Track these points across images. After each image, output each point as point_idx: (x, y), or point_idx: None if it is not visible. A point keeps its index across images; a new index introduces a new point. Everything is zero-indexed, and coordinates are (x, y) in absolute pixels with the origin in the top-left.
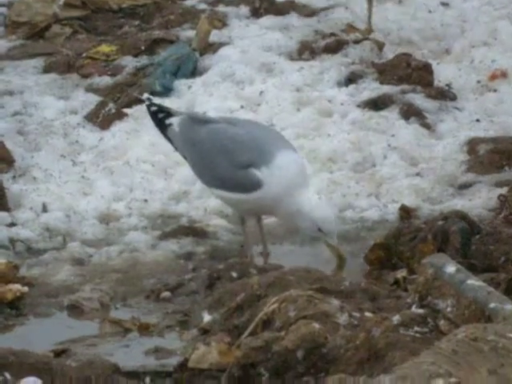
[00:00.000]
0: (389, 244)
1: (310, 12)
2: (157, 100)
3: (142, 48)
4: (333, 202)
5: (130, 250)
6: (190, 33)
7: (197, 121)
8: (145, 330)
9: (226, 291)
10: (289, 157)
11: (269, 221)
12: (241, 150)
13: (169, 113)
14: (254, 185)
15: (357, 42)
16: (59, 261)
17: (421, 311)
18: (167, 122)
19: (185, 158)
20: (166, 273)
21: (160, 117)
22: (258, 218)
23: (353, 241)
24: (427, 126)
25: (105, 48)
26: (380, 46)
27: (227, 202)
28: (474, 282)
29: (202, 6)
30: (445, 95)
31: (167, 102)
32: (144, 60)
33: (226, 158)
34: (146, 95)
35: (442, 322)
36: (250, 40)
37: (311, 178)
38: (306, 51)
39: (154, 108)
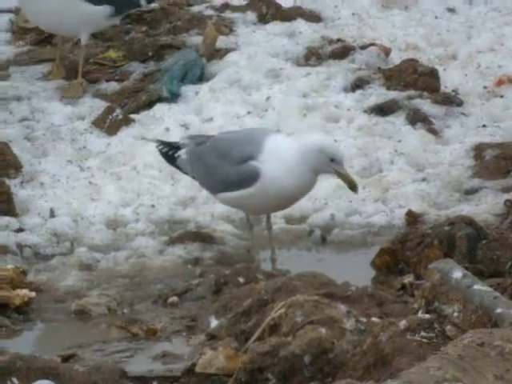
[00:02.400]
0: (395, 249)
1: (316, 18)
2: (164, 106)
3: (150, 54)
4: (339, 208)
5: (137, 255)
6: (197, 39)
7: (200, 142)
8: (152, 334)
9: (233, 296)
10: (277, 138)
11: (275, 226)
12: (236, 148)
13: (176, 147)
14: (253, 175)
15: (363, 47)
16: (67, 266)
17: (427, 316)
18: (176, 155)
19: (194, 178)
20: (173, 278)
21: (170, 154)
22: (268, 223)
23: (359, 246)
24: (434, 132)
25: (112, 54)
26: (386, 52)
27: (234, 204)
28: (480, 287)
29: (209, 12)
30: (451, 101)
31: (174, 108)
32: (151, 66)
33: (224, 160)
34: (155, 139)
35: (448, 328)
36: (256, 46)
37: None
38: (312, 57)
39: (164, 149)
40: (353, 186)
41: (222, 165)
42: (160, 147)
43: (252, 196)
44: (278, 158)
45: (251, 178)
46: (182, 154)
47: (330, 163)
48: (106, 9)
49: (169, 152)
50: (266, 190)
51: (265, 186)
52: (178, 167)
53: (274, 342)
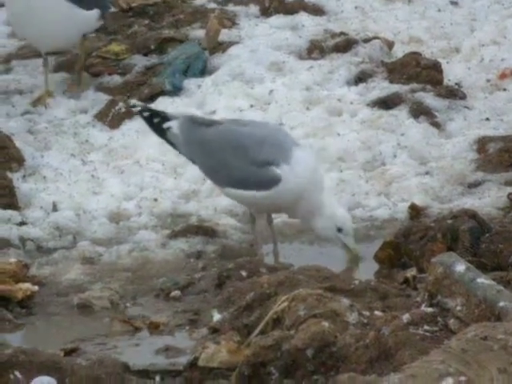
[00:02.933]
0: (398, 243)
1: (319, 11)
2: (167, 99)
3: (152, 47)
4: (342, 201)
5: (139, 248)
6: (200, 32)
7: (199, 123)
8: (155, 328)
9: (236, 290)
10: (306, 153)
11: (278, 220)
12: (258, 148)
13: (164, 117)
14: (273, 181)
15: (366, 41)
16: (69, 260)
17: (430, 310)
18: (165, 126)
19: (192, 161)
20: (176, 272)
21: (156, 121)
22: (269, 218)
23: (362, 240)
24: (437, 125)
25: (115, 47)
26: (389, 45)
27: (242, 200)
28: (483, 280)
29: (212, 6)
30: (454, 94)
31: (177, 101)
32: (154, 59)
33: (241, 157)
34: (132, 102)
35: (451, 321)
36: (259, 39)
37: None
38: (315, 50)
39: (146, 113)
40: (355, 261)
41: (236, 161)
42: (143, 112)
43: (265, 198)
44: (302, 175)
45: (270, 183)
46: (174, 127)
47: (339, 234)
48: (96, 13)
49: (153, 119)
50: (282, 195)
51: (283, 192)
52: (167, 140)
53: (276, 335)
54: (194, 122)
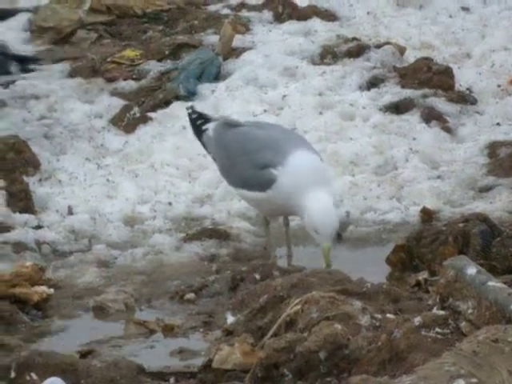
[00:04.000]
0: (410, 246)
1: (332, 17)
2: (181, 104)
3: (166, 53)
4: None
5: (154, 252)
6: (214, 38)
7: (229, 125)
8: (169, 331)
9: (250, 293)
10: (304, 156)
11: (292, 223)
12: (260, 150)
13: (207, 119)
14: (269, 182)
15: (378, 46)
16: (84, 263)
17: (442, 313)
18: (204, 127)
19: (214, 160)
20: (190, 274)
21: (198, 123)
22: (285, 220)
23: (374, 243)
24: (448, 130)
25: (129, 53)
26: (401, 51)
27: (249, 201)
28: (494, 283)
29: (226, 11)
30: (465, 99)
31: None
32: (168, 64)
33: (247, 159)
34: (189, 104)
35: (463, 324)
36: (272, 45)
37: (333, 182)
38: (328, 55)
39: (194, 115)
40: (326, 263)
41: (243, 162)
42: (191, 114)
43: (264, 200)
44: (295, 177)
45: (266, 184)
46: (210, 129)
47: (316, 234)
48: None
49: (198, 121)
50: (276, 196)
51: (276, 193)
52: (202, 143)
53: (289, 338)
54: (225, 125)
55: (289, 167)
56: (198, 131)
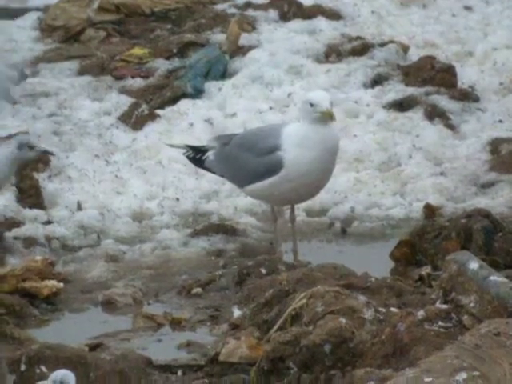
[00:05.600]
0: (414, 241)
1: (336, 16)
2: (188, 102)
3: (174, 51)
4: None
5: (162, 247)
6: (221, 36)
7: (225, 141)
8: (177, 324)
9: (256, 287)
10: (292, 125)
11: (297, 219)
12: (259, 141)
13: (204, 150)
14: (278, 165)
15: (382, 45)
16: (94, 257)
17: (445, 307)
18: (204, 157)
19: (222, 175)
20: (197, 269)
21: (197, 157)
22: (292, 215)
23: (378, 238)
24: (451, 127)
25: (137, 51)
26: (405, 49)
27: (262, 195)
28: (496, 278)
29: (232, 10)
30: (468, 97)
31: (199, 104)
32: (176, 62)
33: (251, 152)
34: (183, 151)
35: (465, 317)
36: (278, 43)
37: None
38: (332, 54)
39: (191, 154)
40: (328, 116)
41: (248, 157)
42: (187, 153)
43: (278, 185)
44: (295, 141)
45: (276, 166)
46: (210, 155)
47: (312, 108)
48: None
49: (196, 156)
50: (290, 176)
51: (289, 171)
52: (206, 169)
53: (295, 331)
54: (222, 143)
55: (286, 140)
56: (200, 162)
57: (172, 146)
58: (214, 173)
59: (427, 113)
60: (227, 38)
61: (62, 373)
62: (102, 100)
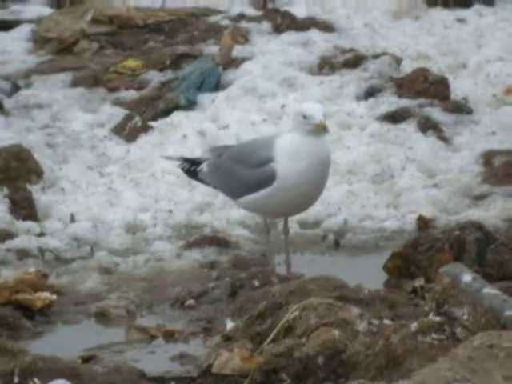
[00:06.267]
0: (407, 253)
1: (329, 28)
2: (181, 114)
3: (167, 63)
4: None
5: (155, 259)
6: (214, 48)
7: (218, 152)
8: (170, 336)
9: (249, 299)
10: (285, 136)
11: (290, 231)
12: (253, 153)
13: (198, 162)
14: (271, 177)
15: (375, 57)
16: (87, 269)
17: (438, 319)
18: (198, 169)
19: (215, 187)
20: (190, 281)
21: (192, 170)
22: (285, 228)
23: (372, 250)
24: (444, 139)
25: (131, 63)
26: (398, 61)
27: (255, 206)
28: (489, 290)
29: (225, 22)
30: (461, 109)
31: (191, 115)
32: (169, 74)
33: (244, 164)
34: (177, 163)
35: (458, 330)
36: (271, 55)
37: (330, 191)
38: (326, 66)
39: (186, 167)
40: (322, 129)
41: (241, 169)
42: (182, 166)
43: (272, 195)
44: (287, 153)
45: (269, 178)
46: (204, 167)
47: (305, 120)
48: None
49: (190, 168)
50: (283, 188)
51: (282, 183)
52: (200, 181)
53: (288, 343)
54: (215, 155)
55: (280, 148)
56: (194, 174)
57: (168, 158)
58: (207, 185)
59: (420, 125)
60: (220, 50)
61: (61, 382)
62: (96, 112)
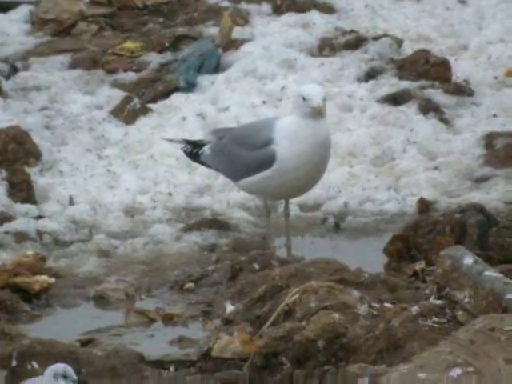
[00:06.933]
0: (407, 236)
1: (330, 9)
2: (181, 96)
3: (166, 44)
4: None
5: (154, 242)
6: (214, 30)
7: (220, 134)
8: (169, 320)
9: (249, 282)
10: (285, 118)
11: (291, 214)
12: (253, 134)
13: (200, 145)
14: (271, 159)
15: (376, 38)
16: (85, 252)
17: (439, 302)
18: (200, 152)
19: (217, 169)
20: (190, 264)
21: (194, 152)
22: (286, 211)
23: (372, 233)
24: (445, 121)
25: (130, 44)
26: (399, 43)
27: (256, 188)
28: (491, 273)
29: (225, 4)
30: (462, 91)
31: (191, 97)
32: (168, 56)
33: (244, 146)
34: (177, 145)
35: (459, 313)
36: (271, 37)
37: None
38: (326, 48)
39: (188, 149)
40: (318, 112)
41: (241, 151)
42: (185, 148)
43: (272, 177)
44: (287, 135)
45: (269, 160)
46: (206, 149)
47: (304, 103)
48: None
49: (193, 151)
50: (283, 170)
51: (281, 165)
52: (202, 163)
53: (288, 327)
54: (218, 137)
55: (279, 131)
56: (197, 157)
57: (169, 140)
58: (209, 167)
59: (421, 107)
60: (220, 32)
61: (62, 366)
62: (94, 94)
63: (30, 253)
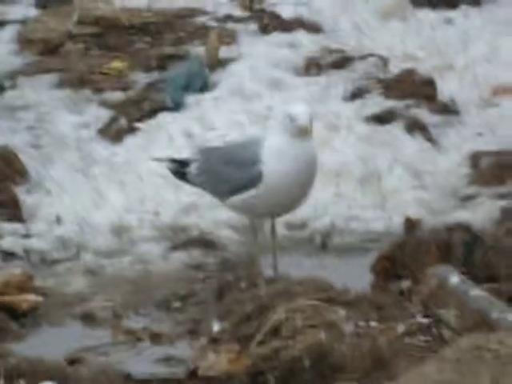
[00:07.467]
0: (394, 255)
1: (316, 29)
2: (168, 115)
3: (154, 64)
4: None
5: (141, 260)
6: (201, 49)
7: (207, 154)
8: (156, 338)
9: (236, 301)
10: (272, 138)
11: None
12: (241, 152)
13: (186, 163)
14: (257, 178)
15: (362, 58)
16: (73, 271)
17: (425, 320)
18: (186, 171)
19: (203, 188)
20: (177, 283)
21: (180, 171)
22: (273, 229)
23: (359, 252)
24: (431, 140)
25: (117, 64)
26: (385, 62)
27: (242, 207)
28: (476, 292)
29: (212, 23)
30: (448, 110)
31: (178, 117)
32: (155, 75)
33: (231, 165)
34: (167, 158)
35: (445, 331)
36: (258, 56)
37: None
38: (312, 67)
39: (174, 168)
40: (304, 132)
41: (228, 170)
42: (170, 167)
43: (258, 196)
44: (273, 154)
45: (255, 179)
46: (193, 168)
47: (291, 122)
48: None
49: (179, 170)
50: (269, 189)
51: (268, 184)
52: (188, 181)
53: (274, 345)
54: (204, 157)
55: (267, 151)
56: (183, 176)
57: (157, 160)
58: (196, 186)
59: (407, 126)
60: (207, 51)
61: None
62: (81, 113)
63: (17, 271)
